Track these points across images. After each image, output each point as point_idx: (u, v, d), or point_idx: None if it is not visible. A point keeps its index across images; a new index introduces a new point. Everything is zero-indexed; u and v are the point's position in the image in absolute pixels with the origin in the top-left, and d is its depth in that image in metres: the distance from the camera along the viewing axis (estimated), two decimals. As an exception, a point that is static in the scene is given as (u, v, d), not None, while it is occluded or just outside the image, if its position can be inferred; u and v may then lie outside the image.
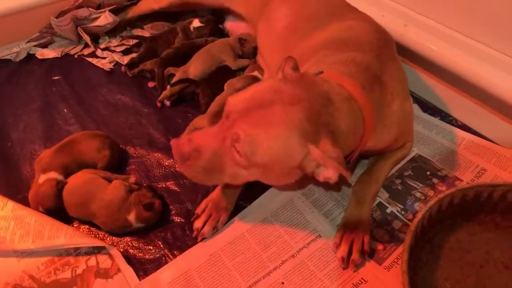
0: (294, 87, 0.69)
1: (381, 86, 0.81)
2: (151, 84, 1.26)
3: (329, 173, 0.68)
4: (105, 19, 1.39)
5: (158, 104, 1.18)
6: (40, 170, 0.92)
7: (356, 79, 0.77)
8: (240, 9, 1.31)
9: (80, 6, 1.43)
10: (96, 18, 1.39)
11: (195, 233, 0.86)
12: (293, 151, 0.67)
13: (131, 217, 0.85)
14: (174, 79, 1.20)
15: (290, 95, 0.68)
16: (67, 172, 0.93)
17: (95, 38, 1.45)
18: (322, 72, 0.77)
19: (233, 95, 0.72)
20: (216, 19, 1.41)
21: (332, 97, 0.71)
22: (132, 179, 0.95)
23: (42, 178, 0.91)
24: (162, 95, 1.18)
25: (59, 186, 0.89)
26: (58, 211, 0.88)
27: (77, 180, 0.90)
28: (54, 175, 0.91)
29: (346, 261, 0.79)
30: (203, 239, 0.85)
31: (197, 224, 0.86)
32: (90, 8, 1.39)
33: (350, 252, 0.80)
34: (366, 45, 0.85)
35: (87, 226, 0.90)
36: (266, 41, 1.17)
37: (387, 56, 0.87)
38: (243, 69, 1.26)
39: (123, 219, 0.85)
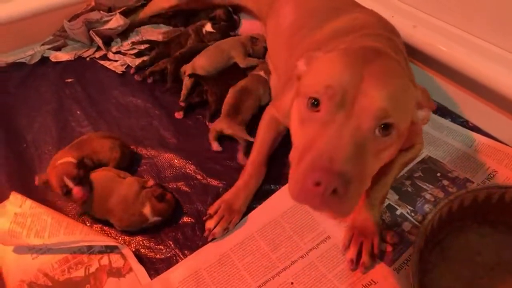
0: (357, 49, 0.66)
1: (404, 58, 0.80)
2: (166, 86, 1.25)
3: (425, 113, 0.67)
4: (116, 21, 1.41)
5: (182, 104, 1.18)
6: (56, 159, 0.93)
7: (380, 42, 0.76)
8: (250, 5, 1.32)
9: (92, 10, 1.45)
10: (108, 21, 1.42)
11: (206, 232, 0.86)
12: (413, 95, 0.64)
13: (146, 210, 0.86)
14: (187, 71, 1.21)
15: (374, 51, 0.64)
16: (82, 164, 0.93)
17: (107, 42, 1.47)
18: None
19: (317, 81, 0.60)
20: (227, 27, 1.41)
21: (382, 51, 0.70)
22: (151, 182, 0.94)
23: (58, 162, 0.91)
24: (182, 96, 1.19)
25: (77, 162, 0.90)
26: (84, 179, 0.88)
27: (98, 176, 0.92)
28: (70, 159, 0.91)
29: (355, 263, 0.79)
30: (213, 239, 0.86)
31: (209, 224, 0.87)
32: (101, 11, 1.42)
33: (359, 254, 0.80)
34: (374, 30, 0.85)
35: (99, 226, 0.91)
36: (273, 39, 1.18)
37: (396, 43, 0.86)
38: (251, 68, 1.26)
39: (138, 213, 0.86)
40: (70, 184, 0.86)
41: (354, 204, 0.56)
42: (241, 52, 1.25)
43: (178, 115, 1.17)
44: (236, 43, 1.26)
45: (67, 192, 0.86)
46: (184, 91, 1.19)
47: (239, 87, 1.13)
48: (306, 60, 0.71)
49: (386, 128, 0.56)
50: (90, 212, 0.91)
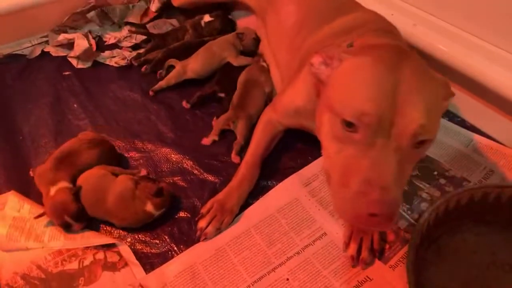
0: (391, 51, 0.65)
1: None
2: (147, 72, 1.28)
3: (447, 102, 0.67)
4: (77, 47, 1.37)
5: (151, 93, 1.21)
6: (47, 183, 0.88)
7: (383, 37, 0.77)
8: (248, 1, 1.32)
9: (92, 8, 1.45)
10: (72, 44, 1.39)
11: (198, 232, 0.86)
12: (441, 94, 0.64)
13: (149, 208, 0.86)
14: (173, 72, 1.22)
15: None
16: (75, 180, 0.91)
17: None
18: (352, 43, 0.74)
19: (349, 101, 0.59)
20: (224, 12, 1.42)
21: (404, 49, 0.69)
22: (143, 172, 0.95)
23: (53, 190, 0.87)
24: (157, 85, 1.21)
25: (73, 191, 0.87)
26: (83, 213, 0.86)
27: (90, 178, 0.90)
28: (64, 184, 0.88)
29: (356, 260, 0.79)
30: (205, 239, 0.85)
31: (201, 224, 0.86)
32: (64, 34, 1.41)
33: (359, 251, 0.79)
34: (374, 25, 0.86)
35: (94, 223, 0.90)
36: (275, 36, 1.18)
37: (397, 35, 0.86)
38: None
39: (142, 212, 0.86)
40: (71, 221, 0.84)
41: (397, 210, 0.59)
42: (233, 52, 1.26)
43: (186, 105, 1.17)
44: (226, 44, 1.27)
45: (67, 227, 0.86)
46: (163, 84, 1.21)
47: (243, 79, 1.15)
48: (324, 59, 0.68)
49: (423, 142, 0.58)
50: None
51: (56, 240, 0.84)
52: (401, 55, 0.63)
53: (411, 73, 0.59)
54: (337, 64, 0.66)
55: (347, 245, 0.81)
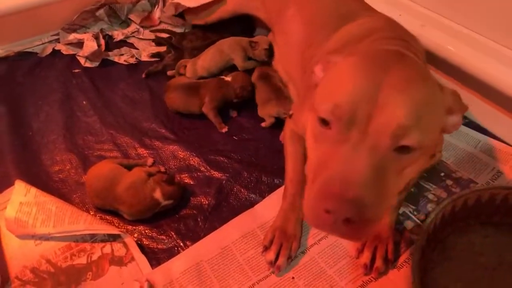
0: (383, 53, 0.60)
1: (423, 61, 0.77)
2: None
3: (456, 118, 0.60)
4: (86, 48, 1.39)
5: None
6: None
7: (396, 46, 0.71)
8: (260, 14, 1.30)
9: (102, 6, 1.46)
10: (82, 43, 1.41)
11: (269, 267, 0.79)
12: (441, 102, 0.57)
13: (158, 194, 0.87)
14: (187, 71, 1.23)
15: (395, 56, 0.59)
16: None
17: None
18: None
19: (327, 97, 0.55)
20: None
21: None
22: (150, 160, 0.99)
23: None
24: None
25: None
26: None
27: (101, 167, 0.93)
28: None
29: (369, 268, 0.77)
30: (279, 272, 0.79)
31: (270, 257, 0.79)
32: (74, 34, 1.44)
33: (373, 259, 0.78)
34: (386, 33, 0.82)
35: (101, 215, 0.92)
36: (286, 53, 1.16)
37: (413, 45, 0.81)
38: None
39: (150, 198, 0.87)
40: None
41: (372, 229, 0.51)
42: (240, 56, 1.26)
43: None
44: (236, 46, 1.26)
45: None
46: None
47: (255, 76, 1.20)
48: (323, 66, 0.66)
49: (405, 148, 0.51)
50: None
51: (60, 225, 0.85)
52: (395, 58, 0.58)
53: (402, 74, 0.53)
54: (330, 68, 0.63)
55: (360, 252, 0.79)
